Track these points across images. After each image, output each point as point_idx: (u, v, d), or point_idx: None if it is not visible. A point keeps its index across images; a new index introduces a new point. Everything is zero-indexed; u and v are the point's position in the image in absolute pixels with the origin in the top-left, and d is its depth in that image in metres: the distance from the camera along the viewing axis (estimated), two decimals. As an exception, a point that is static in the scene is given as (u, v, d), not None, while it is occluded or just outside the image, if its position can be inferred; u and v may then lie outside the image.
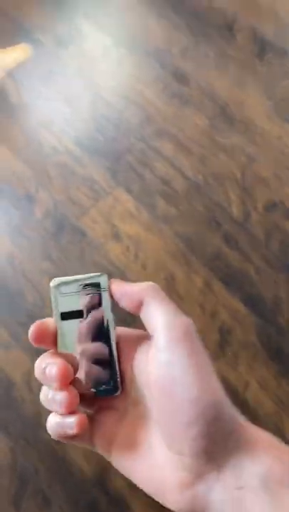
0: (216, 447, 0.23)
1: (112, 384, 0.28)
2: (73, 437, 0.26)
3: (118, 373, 0.29)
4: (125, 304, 0.28)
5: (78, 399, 0.26)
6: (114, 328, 0.29)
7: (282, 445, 0.24)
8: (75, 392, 0.26)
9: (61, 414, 0.26)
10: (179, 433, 0.23)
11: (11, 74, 1.31)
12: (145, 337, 0.28)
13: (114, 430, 0.28)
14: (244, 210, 1.10)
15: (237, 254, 1.06)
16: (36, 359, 0.29)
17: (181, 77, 1.25)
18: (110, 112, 1.24)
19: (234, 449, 0.23)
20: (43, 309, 1.04)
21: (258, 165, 1.13)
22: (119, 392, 0.29)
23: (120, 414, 0.28)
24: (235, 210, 1.11)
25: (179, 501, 0.24)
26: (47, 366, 0.27)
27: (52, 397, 0.26)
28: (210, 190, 1.12)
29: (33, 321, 0.28)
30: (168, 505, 0.24)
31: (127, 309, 0.28)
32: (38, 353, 0.29)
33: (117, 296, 0.28)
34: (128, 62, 1.29)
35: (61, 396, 0.26)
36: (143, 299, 0.27)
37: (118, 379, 0.28)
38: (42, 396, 0.28)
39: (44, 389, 0.28)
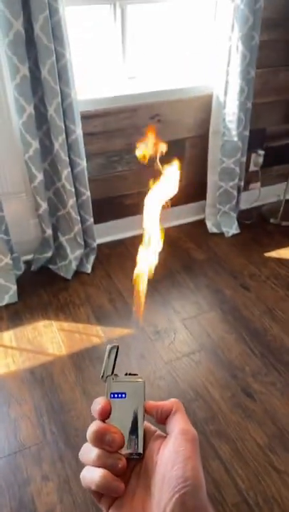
0: None
1: (136, 450, 0.39)
2: (117, 473, 0.36)
3: (142, 443, 0.39)
4: (157, 413, 0.39)
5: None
6: (144, 412, 0.40)
7: None
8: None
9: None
10: (166, 496, 0.33)
11: (110, 341, 1.62)
12: (158, 434, 0.39)
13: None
14: None
15: None
16: None
17: (248, 393, 1.44)
18: (181, 398, 1.41)
19: None
20: None
21: (310, 502, 1.14)
22: (140, 457, 0.38)
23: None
24: None
25: None
26: (109, 432, 0.37)
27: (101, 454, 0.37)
28: (259, 511, 1.12)
29: None
30: None
31: (157, 417, 0.39)
32: None
33: (152, 408, 0.39)
34: (206, 365, 1.55)
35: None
36: (173, 407, 0.39)
37: (141, 447, 0.39)
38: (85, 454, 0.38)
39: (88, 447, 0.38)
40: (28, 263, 2.04)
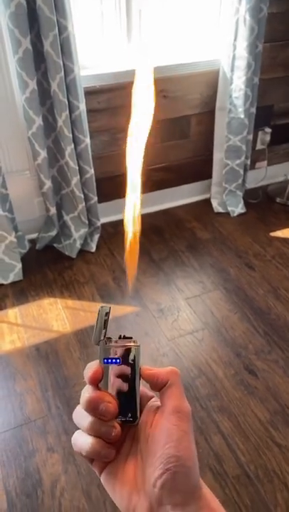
0: (175, 493, 0.33)
1: (132, 416, 0.38)
2: (110, 442, 0.36)
3: (138, 409, 0.37)
4: (152, 382, 0.37)
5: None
6: (140, 377, 0.38)
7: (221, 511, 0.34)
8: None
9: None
10: (158, 472, 0.33)
11: (117, 320, 1.64)
12: (153, 403, 0.38)
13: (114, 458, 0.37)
14: (290, 519, 1.08)
15: None
16: None
17: (251, 370, 1.45)
18: (184, 375, 1.43)
19: (188, 501, 0.33)
20: None
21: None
22: (136, 423, 0.38)
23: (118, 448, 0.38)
24: (281, 516, 1.08)
25: None
26: (103, 402, 0.36)
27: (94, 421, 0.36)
28: (259, 484, 1.14)
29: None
30: None
31: (152, 386, 0.37)
32: None
33: (147, 376, 0.38)
34: (209, 343, 1.56)
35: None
36: (168, 380, 0.37)
37: (138, 413, 0.38)
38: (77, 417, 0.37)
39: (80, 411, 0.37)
40: (32, 242, 2.04)
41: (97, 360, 0.38)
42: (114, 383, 0.38)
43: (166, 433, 0.34)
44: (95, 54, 1.86)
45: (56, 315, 1.68)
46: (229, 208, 2.26)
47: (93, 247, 2.00)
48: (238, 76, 1.95)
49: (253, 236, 2.12)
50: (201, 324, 1.63)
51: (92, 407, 0.36)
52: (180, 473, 0.33)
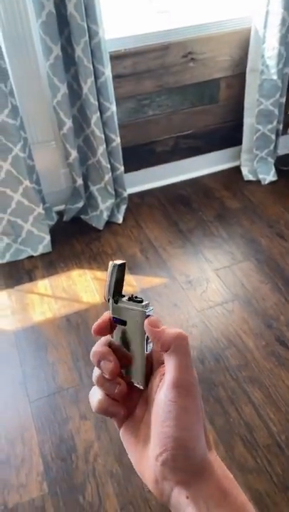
0: (176, 471, 0.32)
1: (137, 379, 0.37)
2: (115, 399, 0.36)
3: (142, 373, 0.37)
4: (155, 344, 0.35)
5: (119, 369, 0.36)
6: (148, 340, 0.36)
7: (233, 490, 0.32)
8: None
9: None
10: (157, 449, 0.33)
11: (145, 292, 1.63)
12: (163, 367, 0.36)
13: (130, 415, 0.38)
14: None
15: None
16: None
17: (282, 342, 1.43)
18: (214, 346, 1.43)
19: (192, 479, 0.32)
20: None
21: None
22: (141, 387, 0.37)
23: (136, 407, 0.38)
24: (313, 486, 1.08)
25: (154, 488, 0.34)
26: (104, 359, 0.36)
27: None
28: (291, 453, 1.14)
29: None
30: (148, 486, 0.34)
31: (156, 347, 0.35)
32: None
33: (149, 332, 0.35)
34: (239, 314, 1.54)
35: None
36: (170, 346, 0.34)
37: (141, 377, 0.37)
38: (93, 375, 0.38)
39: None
40: (60, 213, 2.04)
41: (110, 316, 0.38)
42: (121, 343, 0.38)
43: (164, 409, 0.33)
44: (118, 14, 1.78)
45: (85, 286, 1.69)
46: (260, 176, 2.18)
47: (120, 219, 1.98)
48: (272, 34, 1.83)
49: (285, 205, 2.04)
50: (231, 295, 1.61)
51: (97, 362, 0.36)
52: (179, 455, 0.32)
